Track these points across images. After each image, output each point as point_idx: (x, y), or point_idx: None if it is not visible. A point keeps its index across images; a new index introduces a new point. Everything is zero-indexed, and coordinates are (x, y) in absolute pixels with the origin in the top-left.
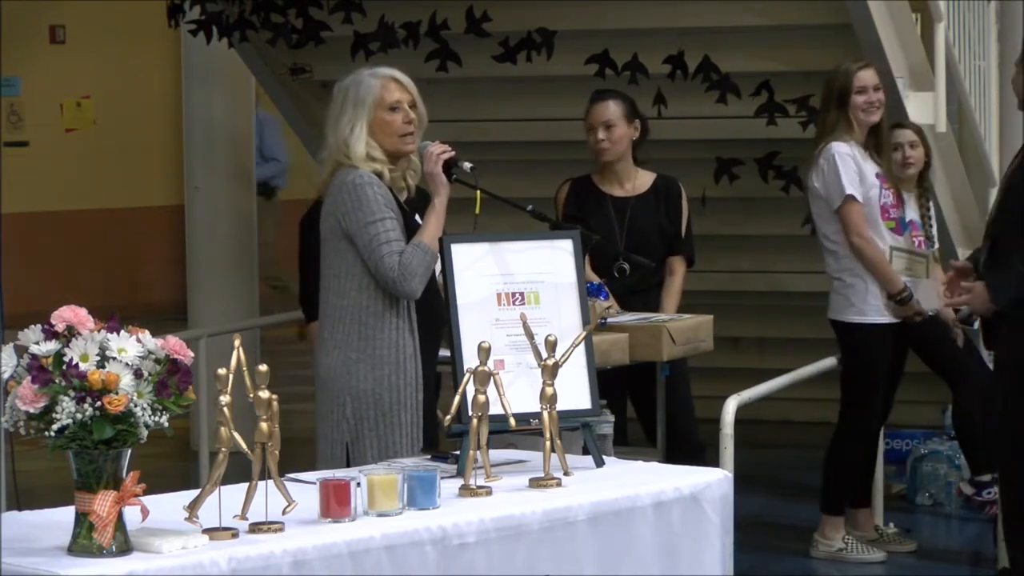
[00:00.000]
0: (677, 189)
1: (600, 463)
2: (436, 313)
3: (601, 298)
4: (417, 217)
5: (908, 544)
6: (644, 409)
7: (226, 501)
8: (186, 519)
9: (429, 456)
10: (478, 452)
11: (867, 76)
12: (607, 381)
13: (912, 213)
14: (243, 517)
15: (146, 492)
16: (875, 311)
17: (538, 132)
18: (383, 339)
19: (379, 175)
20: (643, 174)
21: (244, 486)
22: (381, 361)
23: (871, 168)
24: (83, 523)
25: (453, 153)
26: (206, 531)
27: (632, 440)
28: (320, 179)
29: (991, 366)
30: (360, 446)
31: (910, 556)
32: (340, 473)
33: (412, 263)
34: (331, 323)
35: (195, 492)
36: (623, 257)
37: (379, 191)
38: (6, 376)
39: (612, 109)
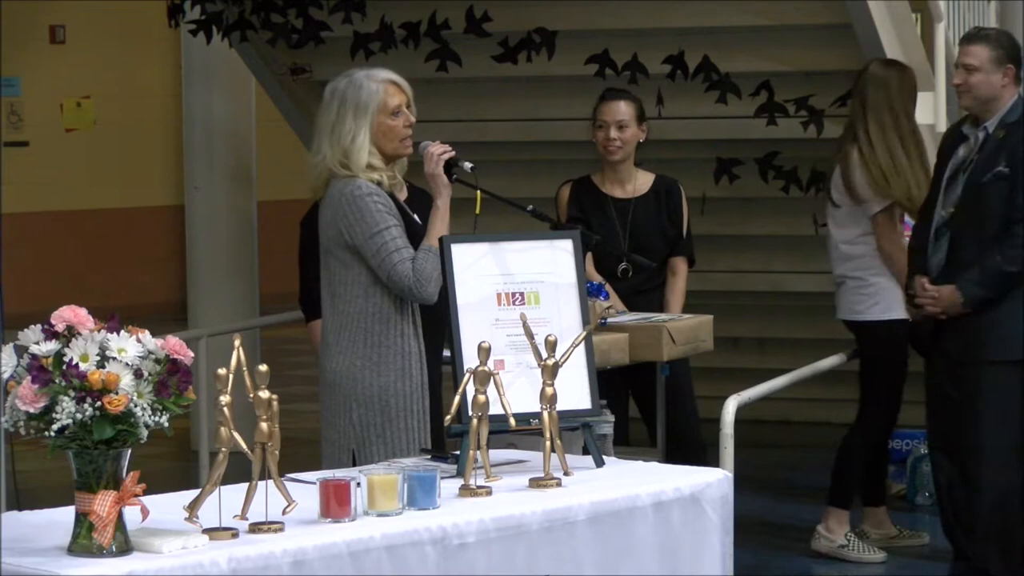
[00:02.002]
0: (677, 190)
1: (600, 463)
2: (439, 315)
3: (601, 298)
4: (416, 217)
5: (921, 537)
6: (647, 409)
7: (226, 501)
8: (186, 519)
9: (429, 456)
10: (478, 452)
11: None
12: (608, 381)
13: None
14: (243, 517)
15: (146, 492)
16: (899, 307)
17: (538, 132)
18: (389, 345)
19: (378, 183)
20: (642, 175)
21: (244, 486)
22: (387, 367)
23: None
24: (83, 523)
25: (453, 153)
26: (206, 531)
27: (634, 440)
28: (314, 184)
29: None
30: (366, 452)
31: (912, 555)
32: (340, 473)
33: (426, 268)
34: (336, 329)
35: (195, 492)
36: (626, 258)
37: (380, 200)
38: (6, 376)
39: (625, 109)
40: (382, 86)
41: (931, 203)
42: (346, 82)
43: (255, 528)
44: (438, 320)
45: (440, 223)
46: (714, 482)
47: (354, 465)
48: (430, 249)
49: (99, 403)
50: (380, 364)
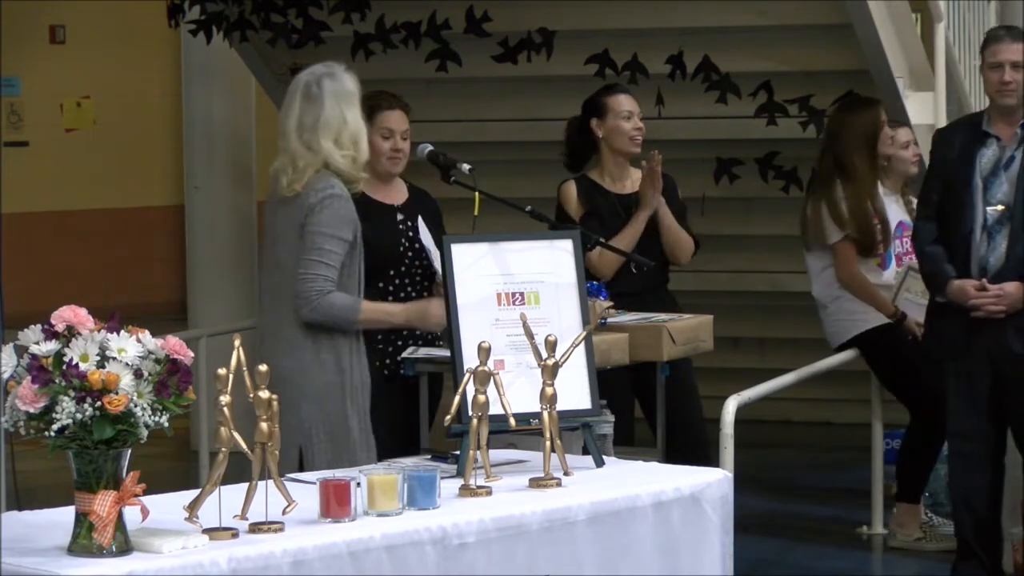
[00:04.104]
0: (672, 183)
1: (600, 463)
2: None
3: (601, 298)
4: (398, 215)
5: (950, 541)
6: (652, 410)
7: (226, 501)
8: (186, 519)
9: (429, 456)
10: (478, 452)
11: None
12: (612, 381)
13: (902, 214)
14: (243, 517)
15: (146, 492)
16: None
17: (538, 132)
18: (340, 342)
19: (350, 183)
20: (635, 171)
21: (244, 486)
22: (338, 364)
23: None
24: (83, 523)
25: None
26: (206, 531)
27: (639, 440)
28: (301, 179)
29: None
30: (313, 449)
31: (913, 553)
32: (340, 473)
33: (331, 311)
34: (288, 325)
35: (195, 492)
36: (627, 257)
37: (347, 208)
38: (6, 376)
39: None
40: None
41: (956, 206)
42: (328, 80)
43: (255, 528)
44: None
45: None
46: (714, 482)
47: (300, 463)
48: (358, 310)
49: (99, 403)
50: (328, 362)
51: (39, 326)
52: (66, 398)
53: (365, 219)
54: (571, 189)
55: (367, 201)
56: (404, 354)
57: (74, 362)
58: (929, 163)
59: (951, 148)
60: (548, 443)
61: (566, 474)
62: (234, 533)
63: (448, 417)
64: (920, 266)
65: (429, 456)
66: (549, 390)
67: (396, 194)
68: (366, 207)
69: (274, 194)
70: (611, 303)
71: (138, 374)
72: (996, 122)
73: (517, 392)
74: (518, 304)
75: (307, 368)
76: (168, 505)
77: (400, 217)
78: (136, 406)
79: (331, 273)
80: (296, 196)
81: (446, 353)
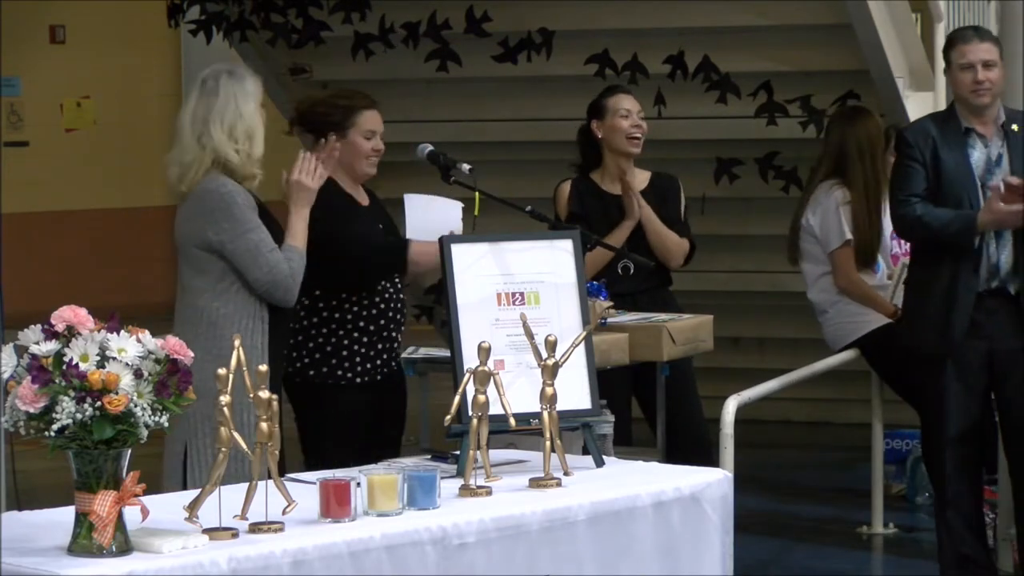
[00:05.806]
0: (675, 185)
1: (600, 463)
2: (287, 315)
3: (601, 298)
4: (382, 221)
5: None
6: (652, 410)
7: (226, 501)
8: (186, 519)
9: (429, 456)
10: (478, 452)
11: None
12: (610, 381)
13: None
14: (243, 517)
15: (146, 492)
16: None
17: (538, 132)
18: (231, 338)
19: (245, 178)
20: (640, 173)
21: (244, 486)
22: (227, 360)
23: None
24: (83, 523)
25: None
26: (206, 531)
27: (638, 440)
28: (190, 177)
29: None
30: (197, 444)
31: (911, 554)
32: (340, 473)
33: (297, 270)
34: (182, 321)
35: (195, 492)
36: (627, 257)
37: (246, 199)
38: (6, 376)
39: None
40: (257, 81)
41: (954, 207)
42: (227, 76)
43: (255, 528)
44: (284, 320)
45: (302, 223)
46: (714, 482)
47: (184, 457)
48: (296, 249)
49: (99, 403)
50: (220, 357)
51: (39, 326)
52: (66, 398)
53: (351, 219)
54: (564, 190)
55: (349, 200)
56: (404, 354)
57: (74, 362)
58: (905, 157)
59: (934, 143)
60: (548, 443)
61: (566, 474)
62: (234, 533)
63: (448, 417)
64: (933, 220)
65: (429, 456)
66: (549, 390)
67: (363, 198)
68: (349, 206)
69: (172, 190)
70: (611, 303)
71: (138, 374)
72: (971, 121)
73: (517, 392)
74: (518, 304)
75: (199, 362)
76: (168, 505)
77: (372, 219)
78: (136, 406)
79: (274, 245)
80: (187, 196)
81: (446, 353)
